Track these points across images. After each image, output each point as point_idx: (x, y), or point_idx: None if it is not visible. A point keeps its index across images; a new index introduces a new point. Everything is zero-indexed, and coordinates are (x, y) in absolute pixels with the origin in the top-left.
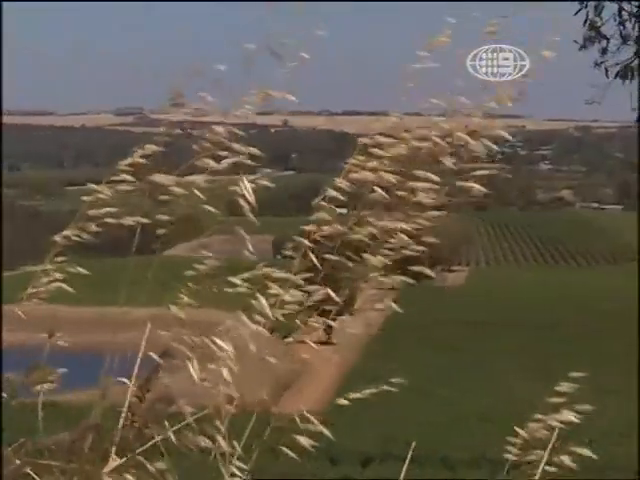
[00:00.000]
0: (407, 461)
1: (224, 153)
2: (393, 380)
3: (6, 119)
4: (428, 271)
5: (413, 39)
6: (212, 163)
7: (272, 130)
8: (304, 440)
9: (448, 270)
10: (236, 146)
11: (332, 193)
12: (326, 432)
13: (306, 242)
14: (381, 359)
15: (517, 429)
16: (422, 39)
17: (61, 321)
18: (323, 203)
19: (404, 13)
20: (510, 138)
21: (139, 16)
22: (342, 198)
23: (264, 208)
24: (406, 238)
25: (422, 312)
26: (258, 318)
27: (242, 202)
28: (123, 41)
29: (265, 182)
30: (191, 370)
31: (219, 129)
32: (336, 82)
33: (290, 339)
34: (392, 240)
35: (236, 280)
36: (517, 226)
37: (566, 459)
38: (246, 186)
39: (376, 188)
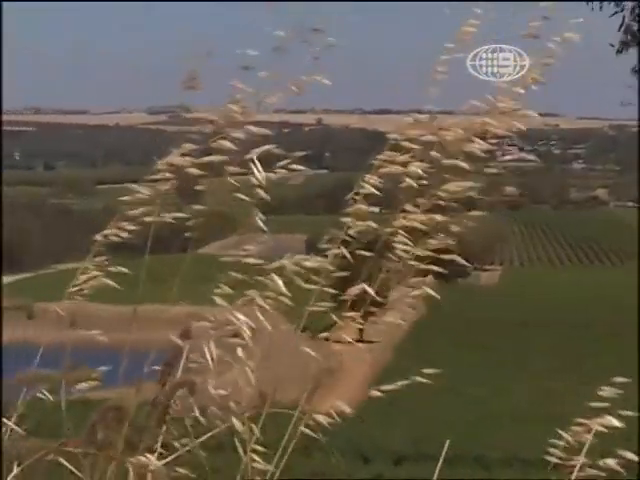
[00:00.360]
0: (441, 460)
1: (239, 134)
2: (425, 371)
3: (41, 118)
4: (463, 261)
5: (414, 39)
6: (228, 144)
7: (306, 129)
8: (313, 433)
9: (481, 269)
10: (252, 128)
11: (365, 189)
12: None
13: (341, 235)
14: (414, 358)
15: (560, 432)
16: (423, 39)
17: (96, 319)
18: (357, 198)
19: (404, 13)
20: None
21: (139, 16)
22: (377, 193)
23: (296, 207)
24: (443, 236)
25: (455, 311)
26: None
27: (255, 183)
28: (123, 41)
29: (280, 174)
30: (207, 354)
31: (233, 107)
32: (369, 80)
33: (322, 336)
34: (428, 239)
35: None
36: (551, 225)
37: (612, 462)
38: (258, 167)
39: (408, 182)
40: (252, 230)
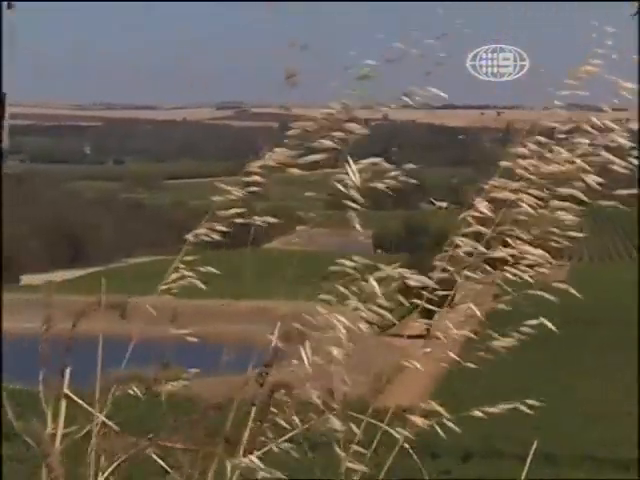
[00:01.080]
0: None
1: (339, 134)
2: (528, 401)
3: (110, 113)
4: (564, 285)
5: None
6: (328, 143)
7: (372, 124)
8: (406, 433)
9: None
10: (352, 125)
11: (474, 212)
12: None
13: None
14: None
15: None
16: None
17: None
18: (469, 220)
19: (404, 13)
20: None
21: (139, 16)
22: (488, 214)
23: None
24: (545, 256)
25: (523, 307)
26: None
27: (348, 185)
28: (123, 41)
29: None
30: (303, 354)
31: (336, 105)
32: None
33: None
34: (530, 257)
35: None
36: (622, 221)
37: None
38: (352, 168)
39: (519, 207)
40: (315, 225)
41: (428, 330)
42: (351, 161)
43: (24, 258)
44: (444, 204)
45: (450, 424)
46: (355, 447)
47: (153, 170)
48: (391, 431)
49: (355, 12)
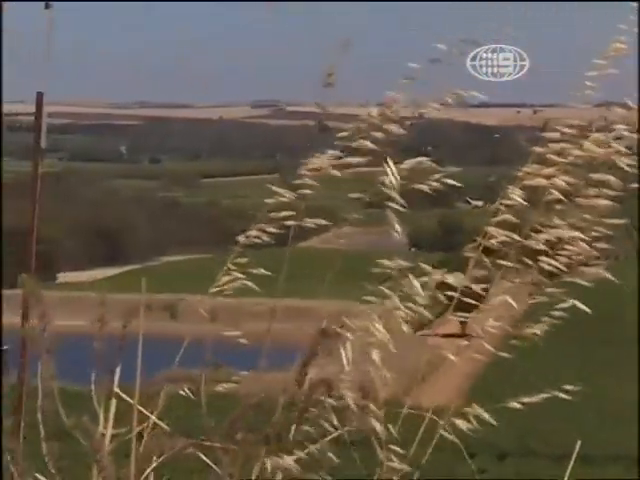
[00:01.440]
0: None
1: (379, 134)
2: (567, 387)
3: (146, 112)
4: (603, 272)
5: (415, 38)
6: (368, 144)
7: (408, 122)
8: (463, 425)
9: (585, 265)
10: (392, 127)
11: (511, 199)
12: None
13: (484, 243)
14: (517, 353)
15: None
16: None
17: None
18: (502, 208)
19: (404, 13)
20: None
21: (139, 16)
22: (521, 202)
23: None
24: (582, 244)
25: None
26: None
27: (387, 185)
28: (123, 41)
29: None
30: (343, 355)
31: (373, 111)
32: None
33: (425, 331)
34: (568, 247)
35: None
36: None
37: None
38: (392, 169)
39: (552, 193)
40: (352, 224)
41: (463, 326)
42: (391, 162)
43: (61, 256)
44: (480, 203)
45: (488, 422)
46: (394, 447)
47: (189, 169)
48: (443, 433)
49: (355, 12)
